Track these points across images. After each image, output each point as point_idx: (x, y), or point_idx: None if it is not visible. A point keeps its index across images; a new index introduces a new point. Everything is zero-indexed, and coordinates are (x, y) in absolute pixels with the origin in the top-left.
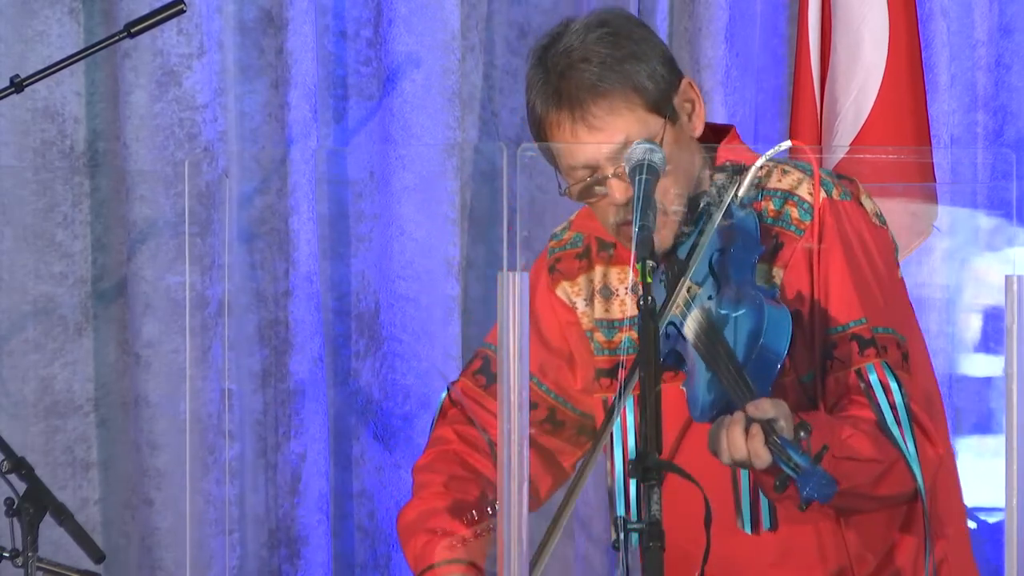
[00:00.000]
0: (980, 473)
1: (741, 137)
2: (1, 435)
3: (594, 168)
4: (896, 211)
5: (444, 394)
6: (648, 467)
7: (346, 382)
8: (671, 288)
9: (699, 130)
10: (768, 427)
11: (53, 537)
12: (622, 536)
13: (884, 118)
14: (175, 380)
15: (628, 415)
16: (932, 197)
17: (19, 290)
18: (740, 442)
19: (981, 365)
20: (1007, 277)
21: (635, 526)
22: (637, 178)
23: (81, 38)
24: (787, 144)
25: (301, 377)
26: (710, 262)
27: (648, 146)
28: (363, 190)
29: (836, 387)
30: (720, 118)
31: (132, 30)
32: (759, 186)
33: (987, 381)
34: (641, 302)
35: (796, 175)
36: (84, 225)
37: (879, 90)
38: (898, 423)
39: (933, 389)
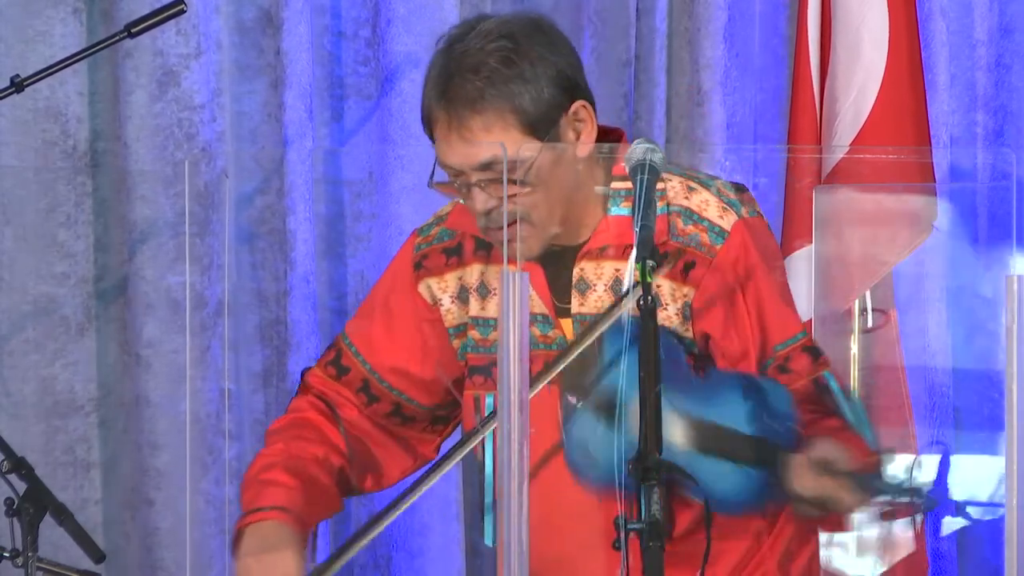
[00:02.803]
0: (979, 472)
1: (739, 139)
2: (1, 435)
3: (461, 173)
4: (896, 211)
5: (300, 381)
6: (648, 467)
7: None
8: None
9: (584, 152)
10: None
11: (53, 537)
12: (623, 536)
13: (884, 118)
14: (175, 380)
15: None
16: (932, 197)
17: (20, 290)
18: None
19: (980, 365)
20: (1007, 277)
21: (635, 526)
22: (638, 178)
23: (84, 38)
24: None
25: (298, 377)
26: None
27: (648, 146)
28: (361, 190)
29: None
30: (720, 118)
31: (132, 30)
32: (664, 199)
33: (986, 381)
34: (641, 302)
35: (702, 194)
36: (86, 225)
37: (879, 90)
38: (862, 423)
39: None
